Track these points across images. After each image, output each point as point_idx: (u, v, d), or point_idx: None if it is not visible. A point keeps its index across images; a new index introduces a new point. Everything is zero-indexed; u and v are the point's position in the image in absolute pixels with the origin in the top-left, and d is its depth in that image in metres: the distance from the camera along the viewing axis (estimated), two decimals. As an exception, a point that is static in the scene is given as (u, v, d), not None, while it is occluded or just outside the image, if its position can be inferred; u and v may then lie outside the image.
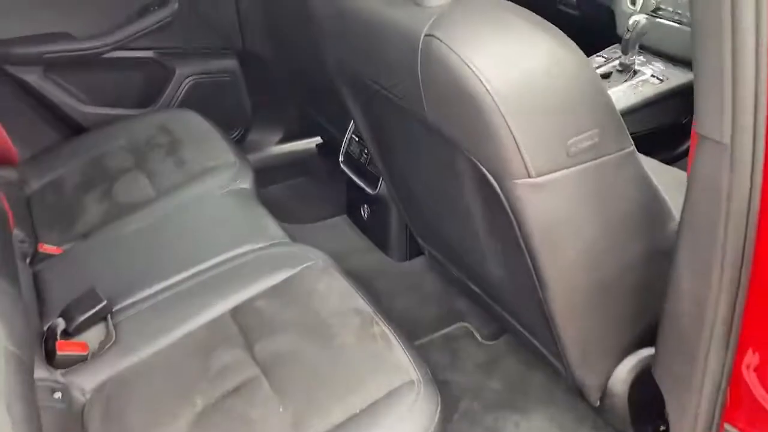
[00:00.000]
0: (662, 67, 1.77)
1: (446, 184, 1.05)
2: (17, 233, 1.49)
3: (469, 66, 0.77)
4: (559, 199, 0.83)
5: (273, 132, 2.36)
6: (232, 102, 2.21)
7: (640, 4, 1.84)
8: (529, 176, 0.80)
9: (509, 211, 0.85)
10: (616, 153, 0.84)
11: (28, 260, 1.44)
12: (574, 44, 0.79)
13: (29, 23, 1.85)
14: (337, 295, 1.21)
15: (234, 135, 2.25)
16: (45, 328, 1.23)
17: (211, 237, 1.42)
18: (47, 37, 1.89)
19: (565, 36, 0.80)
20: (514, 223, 0.86)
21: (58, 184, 1.73)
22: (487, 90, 0.76)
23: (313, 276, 1.26)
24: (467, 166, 0.90)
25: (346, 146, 1.75)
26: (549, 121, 0.78)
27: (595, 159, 0.83)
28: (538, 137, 0.78)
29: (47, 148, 1.90)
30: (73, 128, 2.00)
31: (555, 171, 0.81)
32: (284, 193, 2.30)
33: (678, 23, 1.75)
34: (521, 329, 1.27)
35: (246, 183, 1.63)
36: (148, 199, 1.60)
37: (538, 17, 0.82)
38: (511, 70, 0.77)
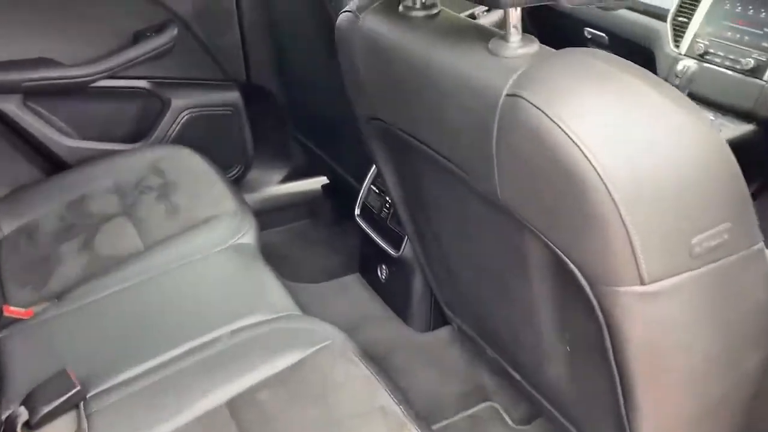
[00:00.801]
0: (712, 118, 1.60)
1: (506, 269, 0.86)
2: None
3: (569, 135, 0.58)
4: (672, 309, 0.64)
5: (275, 170, 2.17)
6: (232, 138, 2.02)
7: (686, 47, 1.67)
8: (641, 283, 0.60)
9: (602, 321, 0.65)
10: (745, 250, 0.66)
11: (-10, 325, 1.23)
12: (705, 113, 0.61)
13: (6, 47, 1.65)
14: (359, 388, 1.00)
15: (232, 173, 2.05)
16: (3, 418, 1.02)
17: (207, 306, 1.22)
18: (27, 63, 1.69)
19: (692, 102, 0.61)
20: (606, 334, 0.67)
21: (33, 230, 1.52)
22: (593, 167, 0.57)
23: (328, 361, 1.06)
24: (546, 259, 0.71)
25: (363, 197, 1.55)
26: (673, 213, 0.59)
27: (722, 259, 0.64)
28: (659, 235, 0.59)
29: (24, 186, 1.69)
30: (54, 164, 1.79)
31: (672, 276, 0.62)
32: (286, 239, 2.10)
33: (730, 70, 1.58)
34: (566, 423, 1.07)
35: (248, 237, 1.42)
36: (135, 253, 1.39)
37: (655, 76, 0.63)
38: (627, 144, 0.58)
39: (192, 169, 1.66)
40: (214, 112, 1.97)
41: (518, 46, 0.70)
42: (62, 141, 1.78)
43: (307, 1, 1.43)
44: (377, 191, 1.51)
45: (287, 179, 2.18)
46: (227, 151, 2.02)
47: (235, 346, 1.12)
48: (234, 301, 1.22)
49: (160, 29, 1.81)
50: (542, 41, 0.71)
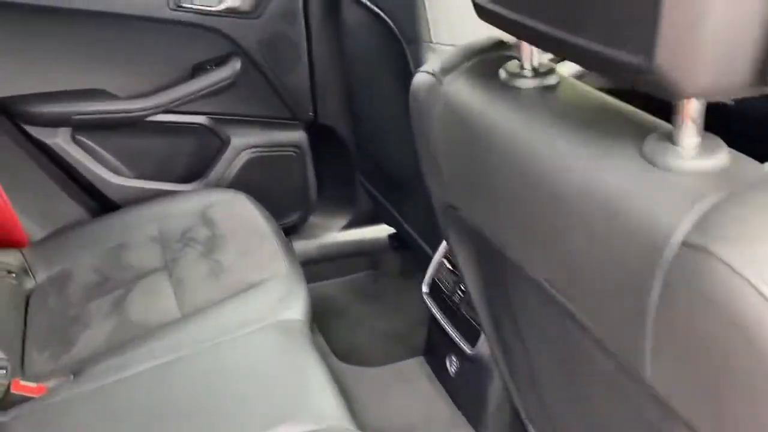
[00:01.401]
0: None
1: (616, 415, 0.61)
2: (-6, 354, 1.13)
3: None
4: None
5: (338, 216, 1.97)
6: (294, 180, 1.84)
7: None
8: None
9: None
10: None
11: (-2, 399, 1.07)
12: None
13: (57, 77, 1.53)
14: None
15: (292, 218, 1.88)
16: None
17: (241, 403, 1.01)
18: (79, 94, 1.56)
19: None
20: None
21: (66, 280, 1.37)
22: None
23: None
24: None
25: (433, 272, 1.32)
26: None
27: None
28: None
29: (65, 228, 1.55)
30: (101, 204, 1.66)
31: None
32: (345, 292, 1.90)
33: None
34: None
35: (297, 310, 1.22)
36: (169, 322, 1.21)
37: None
38: None
39: (244, 220, 1.47)
40: (276, 153, 1.80)
41: (696, 153, 0.45)
42: (111, 179, 1.64)
43: (382, 40, 1.22)
44: (451, 268, 1.28)
45: (350, 226, 1.98)
46: (288, 194, 1.85)
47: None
48: (273, 400, 1.01)
49: (221, 62, 1.65)
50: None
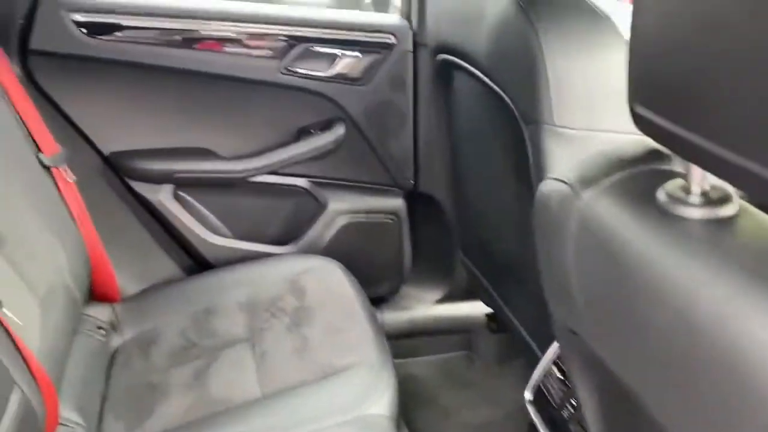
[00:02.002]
0: None
1: None
2: (68, 419, 1.10)
3: None
4: None
5: (432, 289, 1.87)
6: (389, 248, 1.76)
7: None
8: None
9: None
10: None
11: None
12: None
13: (163, 134, 1.54)
14: None
15: (385, 287, 1.79)
16: None
17: None
18: (184, 153, 1.57)
19: None
20: None
21: (152, 341, 1.34)
22: None
23: None
24: None
25: (539, 378, 1.18)
26: None
27: None
28: None
29: (157, 285, 1.54)
30: (195, 261, 1.64)
31: None
32: (436, 375, 1.77)
33: None
34: None
35: (383, 405, 1.11)
36: (248, 402, 1.14)
37: None
38: None
39: (335, 292, 1.40)
40: (373, 219, 1.73)
41: None
42: (207, 237, 1.62)
43: (496, 116, 1.13)
44: (561, 377, 1.14)
45: (445, 300, 1.87)
46: (382, 263, 1.77)
47: None
48: None
49: (326, 126, 1.62)
50: None
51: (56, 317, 1.16)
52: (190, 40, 1.50)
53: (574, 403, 1.07)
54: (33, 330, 1.05)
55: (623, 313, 0.51)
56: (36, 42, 1.39)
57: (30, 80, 1.41)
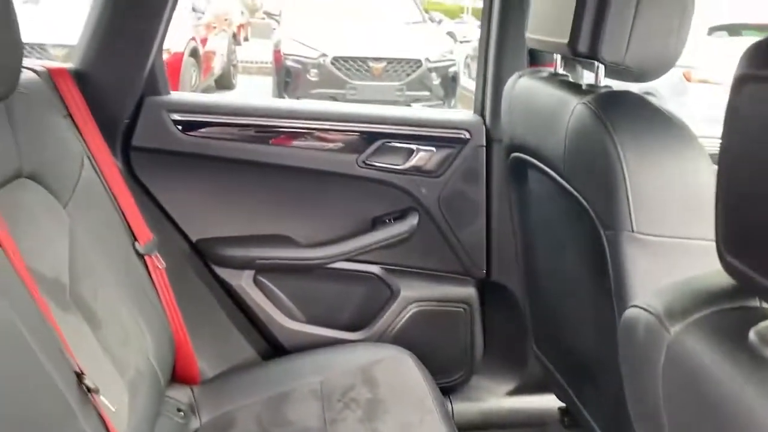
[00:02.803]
0: None
1: None
2: None
3: None
4: None
5: (504, 380, 1.84)
6: (460, 337, 1.76)
7: None
8: None
9: None
10: None
11: None
12: None
13: (245, 223, 1.62)
14: None
15: (455, 378, 1.77)
16: None
17: None
18: (265, 240, 1.64)
19: None
20: None
21: (228, 426, 1.37)
22: None
23: None
24: None
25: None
26: None
27: None
28: None
29: (234, 369, 1.59)
30: (271, 346, 1.69)
31: None
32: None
33: None
34: None
35: None
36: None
37: None
38: None
39: (407, 385, 1.41)
40: (444, 308, 1.74)
41: None
42: (283, 322, 1.67)
43: (573, 218, 1.15)
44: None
45: (517, 392, 1.83)
46: (453, 352, 1.76)
47: None
48: None
49: (400, 216, 1.66)
50: None
51: (142, 401, 1.21)
52: (274, 137, 1.60)
53: None
54: (122, 414, 1.10)
55: None
56: (138, 139, 1.52)
57: (130, 173, 1.53)
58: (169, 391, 1.43)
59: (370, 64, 6.55)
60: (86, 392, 0.98)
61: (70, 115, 1.33)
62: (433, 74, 6.65)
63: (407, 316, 1.71)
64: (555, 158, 1.14)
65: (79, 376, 0.98)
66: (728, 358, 0.50)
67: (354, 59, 6.53)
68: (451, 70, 6.88)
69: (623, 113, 1.01)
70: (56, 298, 1.06)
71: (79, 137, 1.33)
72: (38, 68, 1.31)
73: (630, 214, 0.95)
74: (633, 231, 0.95)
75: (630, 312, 0.63)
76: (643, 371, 0.60)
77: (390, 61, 6.56)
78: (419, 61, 6.61)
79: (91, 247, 1.22)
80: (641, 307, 0.61)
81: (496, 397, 1.82)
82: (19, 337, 0.86)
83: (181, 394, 1.45)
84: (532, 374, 1.79)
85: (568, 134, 1.08)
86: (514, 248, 1.66)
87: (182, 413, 1.41)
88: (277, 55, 6.88)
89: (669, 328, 0.57)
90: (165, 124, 1.53)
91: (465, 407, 1.78)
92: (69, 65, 1.45)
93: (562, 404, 1.75)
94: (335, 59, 6.52)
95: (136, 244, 1.40)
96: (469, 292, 1.73)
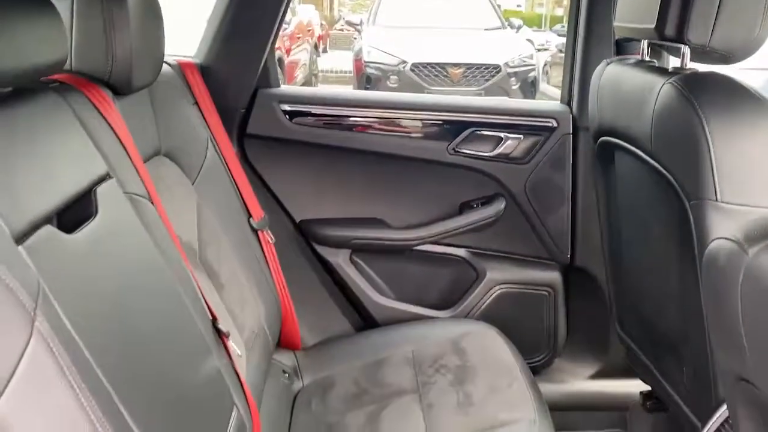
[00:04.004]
0: None
1: None
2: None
3: None
4: None
5: (586, 364, 1.89)
6: (543, 320, 1.83)
7: None
8: None
9: None
10: None
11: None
12: None
13: (344, 206, 1.76)
14: None
15: (538, 359, 1.84)
16: None
17: None
18: (361, 222, 1.77)
19: None
20: None
21: (328, 387, 1.50)
22: None
23: None
24: None
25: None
26: None
27: None
28: None
29: (332, 338, 1.72)
30: (364, 320, 1.81)
31: None
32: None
33: None
34: None
35: (544, 459, 1.18)
36: (417, 447, 1.25)
37: None
38: None
39: (494, 355, 1.50)
40: (528, 291, 1.82)
41: None
42: (376, 298, 1.80)
43: (658, 193, 1.21)
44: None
45: (599, 376, 1.88)
46: (536, 334, 1.83)
47: None
48: None
49: (487, 201, 1.76)
50: None
51: (256, 358, 1.36)
52: (371, 126, 1.73)
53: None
54: (242, 362, 1.25)
55: None
56: (252, 127, 1.69)
57: (243, 158, 1.70)
58: (275, 355, 1.57)
59: (449, 69, 6.65)
60: (219, 335, 1.13)
61: (197, 104, 1.51)
62: (512, 79, 6.68)
63: (492, 297, 1.80)
64: (642, 137, 1.21)
65: (213, 321, 1.13)
66: None
67: (433, 65, 6.65)
68: (531, 75, 6.89)
69: (709, 90, 1.08)
70: (190, 259, 1.22)
71: (204, 124, 1.50)
72: (171, 61, 1.49)
73: (714, 183, 1.01)
74: (717, 200, 1.01)
75: (713, 244, 0.71)
76: (723, 294, 0.67)
77: (469, 66, 6.64)
78: (498, 66, 6.66)
79: (214, 219, 1.38)
80: (723, 238, 0.69)
81: (579, 380, 1.88)
82: (170, 282, 1.02)
83: (285, 359, 1.60)
84: (615, 359, 1.84)
85: (655, 113, 1.15)
86: (598, 234, 1.72)
87: (287, 375, 1.56)
88: (358, 63, 7.10)
89: (747, 250, 0.65)
90: (276, 113, 1.69)
91: (548, 388, 1.83)
92: (195, 59, 1.64)
93: (645, 388, 1.79)
94: (414, 66, 6.66)
95: (251, 219, 1.56)
96: (554, 276, 1.80)
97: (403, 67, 6.70)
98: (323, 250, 1.77)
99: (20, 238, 0.71)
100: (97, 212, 0.88)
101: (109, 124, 1.02)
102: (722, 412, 1.12)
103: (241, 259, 1.44)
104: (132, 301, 0.89)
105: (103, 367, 0.74)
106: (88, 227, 0.85)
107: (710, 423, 1.15)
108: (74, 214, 0.85)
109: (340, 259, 1.77)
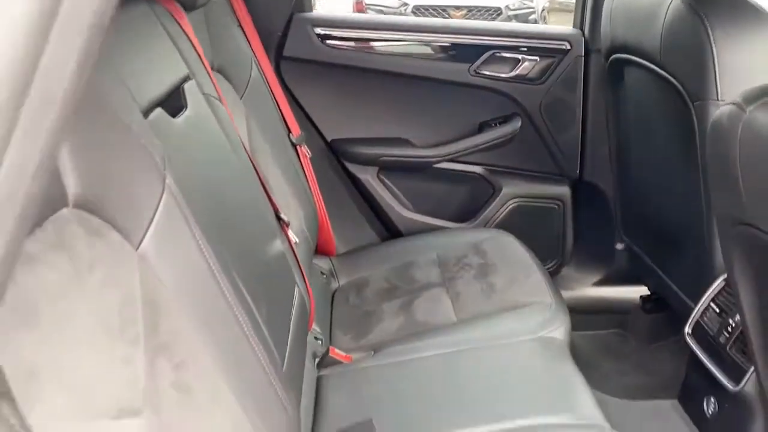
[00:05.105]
0: None
1: None
2: (315, 329, 1.44)
3: None
4: None
5: (591, 271, 2.07)
6: (553, 231, 2.00)
7: None
8: None
9: None
10: None
11: (317, 360, 1.37)
12: None
13: (371, 126, 1.90)
14: None
15: (547, 266, 2.01)
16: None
17: (511, 393, 1.17)
18: (387, 141, 1.92)
19: None
20: None
21: (363, 286, 1.68)
22: None
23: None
24: None
25: (698, 314, 1.37)
26: None
27: None
28: None
29: (361, 246, 1.89)
30: (390, 231, 1.98)
31: None
32: (591, 346, 1.96)
33: None
34: None
35: (559, 332, 1.36)
36: (447, 324, 1.43)
37: None
38: None
39: (512, 254, 1.67)
40: (540, 204, 1.98)
41: None
42: (400, 212, 1.96)
43: (665, 98, 1.36)
44: (717, 310, 1.32)
45: (603, 283, 2.06)
46: (546, 243, 2.00)
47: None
48: (539, 395, 1.16)
49: (504, 121, 1.91)
50: None
51: (301, 255, 1.52)
52: (399, 48, 1.86)
53: (730, 329, 1.25)
54: (295, 252, 1.41)
55: None
56: (288, 50, 1.82)
57: (281, 80, 1.83)
58: (313, 260, 1.74)
59: (450, 12, 6.67)
60: (280, 222, 1.29)
61: (241, 27, 1.63)
62: (513, 21, 6.72)
63: (507, 210, 1.97)
64: (652, 50, 1.36)
65: (276, 210, 1.29)
66: None
67: (435, 8, 6.67)
68: (531, 17, 6.93)
69: (715, 3, 1.21)
70: (246, 161, 1.37)
71: (247, 44, 1.63)
72: (219, -14, 1.61)
73: (716, 84, 1.16)
74: (718, 100, 1.17)
75: (718, 111, 0.86)
76: (724, 149, 0.83)
77: (470, 9, 6.67)
78: (499, 8, 6.69)
79: (260, 132, 1.53)
80: (725, 103, 0.85)
81: (584, 287, 2.06)
82: (243, 171, 1.17)
83: (322, 263, 1.77)
84: (617, 268, 2.02)
85: (665, 26, 1.29)
86: (606, 151, 1.88)
87: (325, 276, 1.73)
88: (359, 6, 7.09)
89: (745, 108, 0.80)
90: (310, 36, 1.81)
91: None
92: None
93: (644, 293, 1.98)
94: (416, 8, 6.68)
95: (291, 135, 1.71)
96: (563, 190, 1.96)
97: (405, 10, 6.72)
98: (353, 168, 1.92)
99: (145, 113, 0.86)
100: (186, 106, 1.03)
101: (186, 33, 1.16)
102: (718, 283, 1.30)
103: (282, 170, 1.59)
104: (220, 182, 1.04)
105: (209, 227, 0.89)
106: (183, 116, 0.99)
107: (704, 297, 1.33)
108: (171, 104, 0.99)
109: (368, 175, 1.93)
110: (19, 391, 0.48)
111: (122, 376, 0.65)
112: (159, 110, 0.92)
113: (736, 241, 0.89)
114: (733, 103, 0.82)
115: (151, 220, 0.75)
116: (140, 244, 0.72)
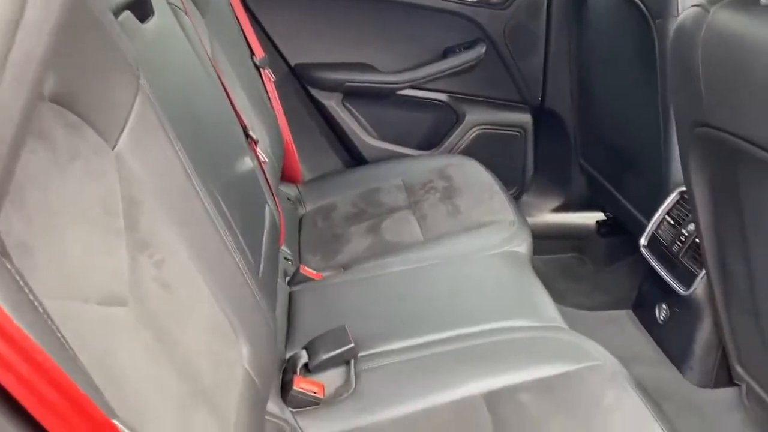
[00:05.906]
0: None
1: None
2: (284, 250, 1.46)
3: None
4: None
5: (550, 198, 2.13)
6: (515, 158, 2.04)
7: None
8: None
9: None
10: None
11: (287, 278, 1.39)
12: None
13: (334, 51, 1.89)
14: (630, 418, 0.91)
15: (509, 192, 2.07)
16: (287, 357, 1.14)
17: (476, 300, 1.23)
18: (351, 66, 1.91)
19: None
20: None
21: (330, 210, 1.69)
22: None
23: (597, 381, 0.99)
24: None
25: (654, 228, 1.44)
26: None
27: None
28: None
29: (328, 173, 1.90)
30: (354, 158, 1.99)
31: None
32: (550, 269, 2.04)
33: None
34: None
35: (523, 247, 1.41)
36: (415, 242, 1.47)
37: None
38: None
39: (476, 178, 1.70)
40: (502, 131, 2.01)
41: None
42: (365, 139, 1.97)
43: (627, 19, 1.39)
44: (672, 222, 1.39)
45: (561, 209, 2.13)
46: (507, 170, 2.03)
47: (497, 344, 1.11)
48: (502, 302, 1.22)
49: (469, 46, 1.91)
50: None
51: (269, 177, 1.53)
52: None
53: (683, 238, 1.33)
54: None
55: (744, 85, 0.77)
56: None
57: (243, 1, 1.78)
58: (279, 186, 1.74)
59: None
60: (248, 140, 1.29)
61: (200, -57, 1.57)
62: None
63: (471, 137, 1.99)
64: None
65: (244, 128, 1.29)
66: (747, 15, 0.78)
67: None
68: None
69: None
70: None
71: (208, -37, 1.58)
72: None
73: (677, 2, 1.19)
74: (678, 16, 1.20)
75: (683, 14, 0.89)
76: (687, 51, 0.87)
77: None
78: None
79: (223, 53, 1.50)
80: (694, 5, 0.87)
81: (543, 213, 2.12)
82: (211, 83, 1.16)
83: (288, 189, 1.77)
84: (575, 194, 2.08)
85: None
86: (567, 79, 1.91)
87: (292, 202, 1.74)
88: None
89: (709, 8, 0.84)
90: None
91: None
92: None
93: (600, 218, 2.05)
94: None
95: (254, 57, 1.68)
96: (525, 118, 2.00)
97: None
98: (317, 93, 1.91)
99: (115, 14, 0.84)
100: (153, 12, 1.00)
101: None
102: (672, 197, 1.36)
103: (248, 93, 1.57)
104: (191, 92, 1.03)
105: (182, 134, 0.89)
106: (151, 21, 0.97)
107: (659, 211, 1.39)
108: (139, 7, 0.97)
109: (333, 101, 1.92)
110: (16, 263, 0.49)
111: (107, 265, 0.66)
112: (127, 13, 0.89)
113: (695, 146, 0.93)
114: (698, 5, 0.85)
115: (126, 119, 0.75)
116: (116, 143, 0.72)
